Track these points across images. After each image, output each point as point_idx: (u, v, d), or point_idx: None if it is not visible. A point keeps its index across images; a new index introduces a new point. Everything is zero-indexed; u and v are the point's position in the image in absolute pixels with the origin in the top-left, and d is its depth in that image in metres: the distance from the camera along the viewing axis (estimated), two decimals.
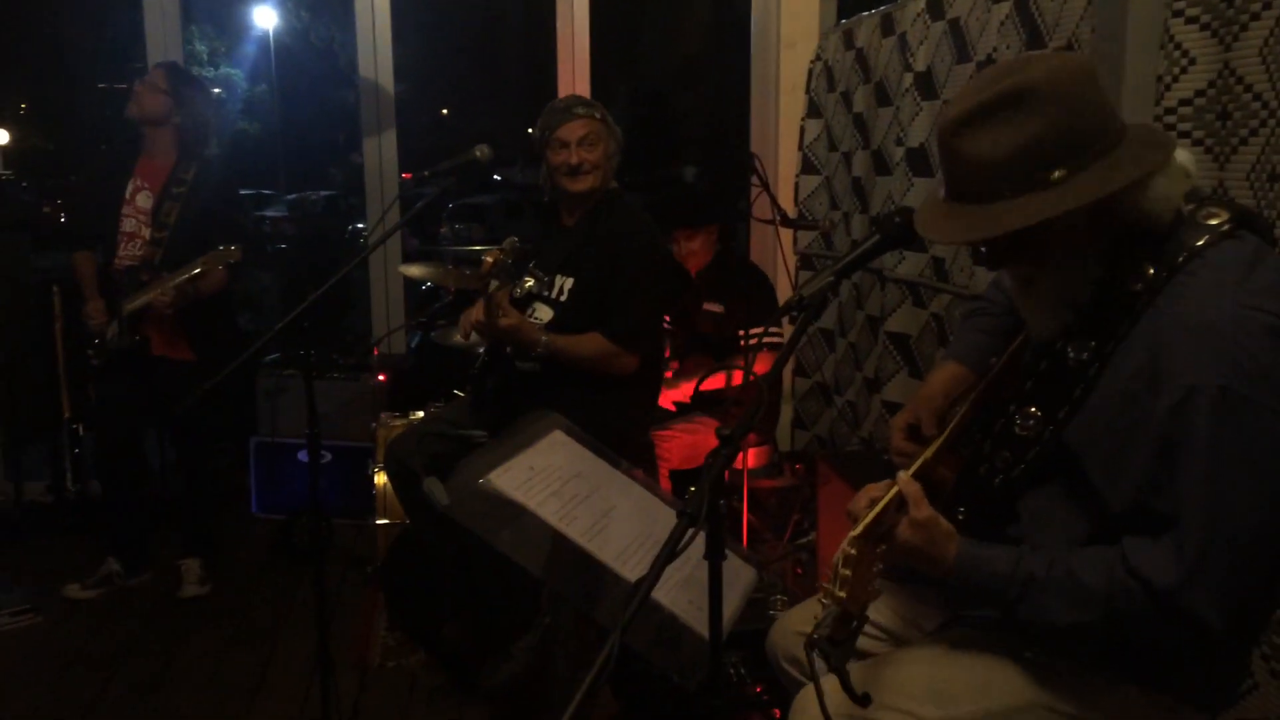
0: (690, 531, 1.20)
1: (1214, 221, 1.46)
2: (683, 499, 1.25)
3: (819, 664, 1.36)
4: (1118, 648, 1.50)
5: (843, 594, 1.38)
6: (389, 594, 3.53)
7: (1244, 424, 1.34)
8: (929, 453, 1.69)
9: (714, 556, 1.29)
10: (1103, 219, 1.45)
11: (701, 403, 3.70)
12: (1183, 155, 1.50)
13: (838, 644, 1.36)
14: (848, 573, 1.39)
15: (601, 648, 1.11)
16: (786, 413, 4.81)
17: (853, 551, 1.41)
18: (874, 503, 1.53)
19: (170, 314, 3.49)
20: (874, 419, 3.92)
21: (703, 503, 1.21)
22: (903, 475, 1.55)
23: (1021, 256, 1.52)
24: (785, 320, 4.15)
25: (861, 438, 4.04)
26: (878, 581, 1.45)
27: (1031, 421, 1.52)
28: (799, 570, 3.62)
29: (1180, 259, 1.44)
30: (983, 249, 1.53)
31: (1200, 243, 1.44)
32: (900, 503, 1.50)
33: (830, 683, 1.39)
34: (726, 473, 3.62)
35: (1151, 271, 1.45)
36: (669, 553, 1.17)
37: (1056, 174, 1.41)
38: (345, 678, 3.18)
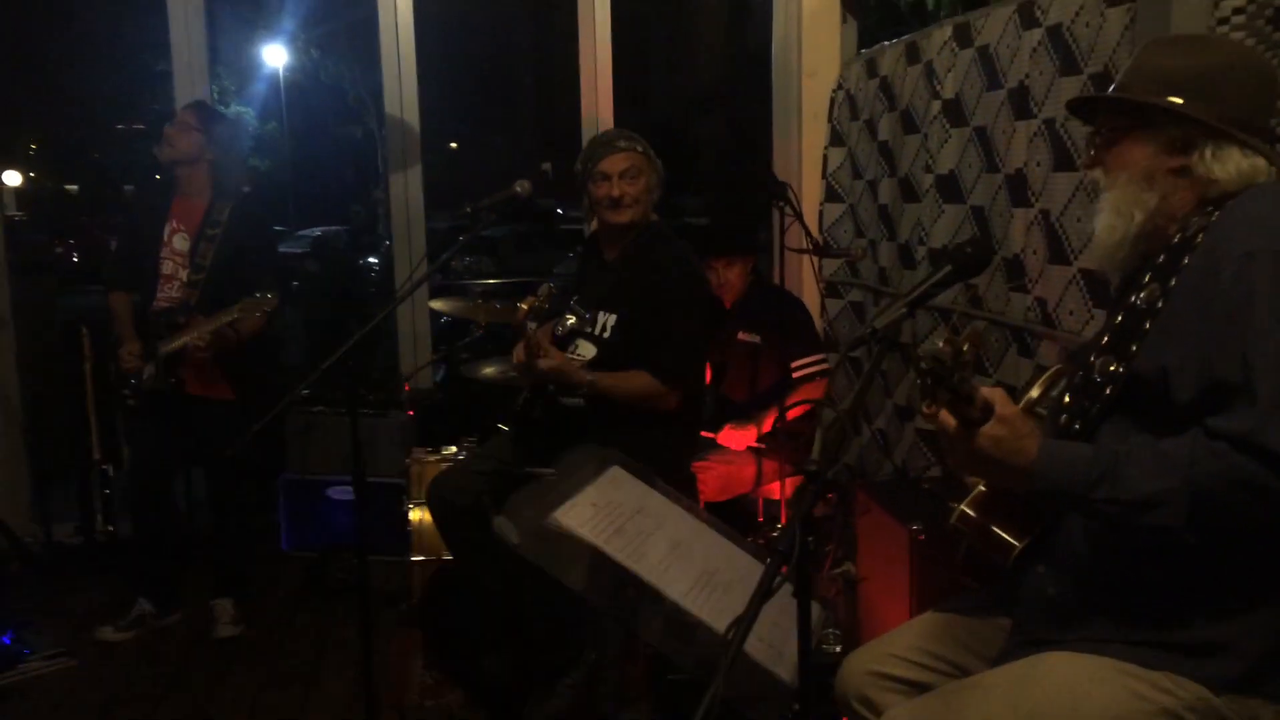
0: (785, 570, 1.18)
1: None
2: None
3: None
4: (1203, 525, 1.45)
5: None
6: (427, 632, 3.50)
7: None
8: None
9: (803, 595, 1.27)
10: (1173, 173, 1.62)
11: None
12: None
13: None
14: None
15: (648, 685, 1.10)
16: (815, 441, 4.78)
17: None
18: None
19: (206, 356, 3.49)
20: (906, 446, 3.90)
21: (795, 540, 1.19)
22: (985, 390, 1.57)
23: (1106, 142, 1.69)
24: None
25: (894, 465, 4.01)
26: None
27: (1110, 368, 1.60)
28: (838, 596, 3.58)
29: (1231, 203, 1.57)
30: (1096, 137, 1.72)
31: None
32: (987, 406, 1.53)
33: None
34: (761, 503, 3.62)
35: (1209, 208, 1.59)
36: (765, 591, 1.16)
37: (1173, 99, 1.59)
38: (383, 717, 3.16)
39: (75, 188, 22.55)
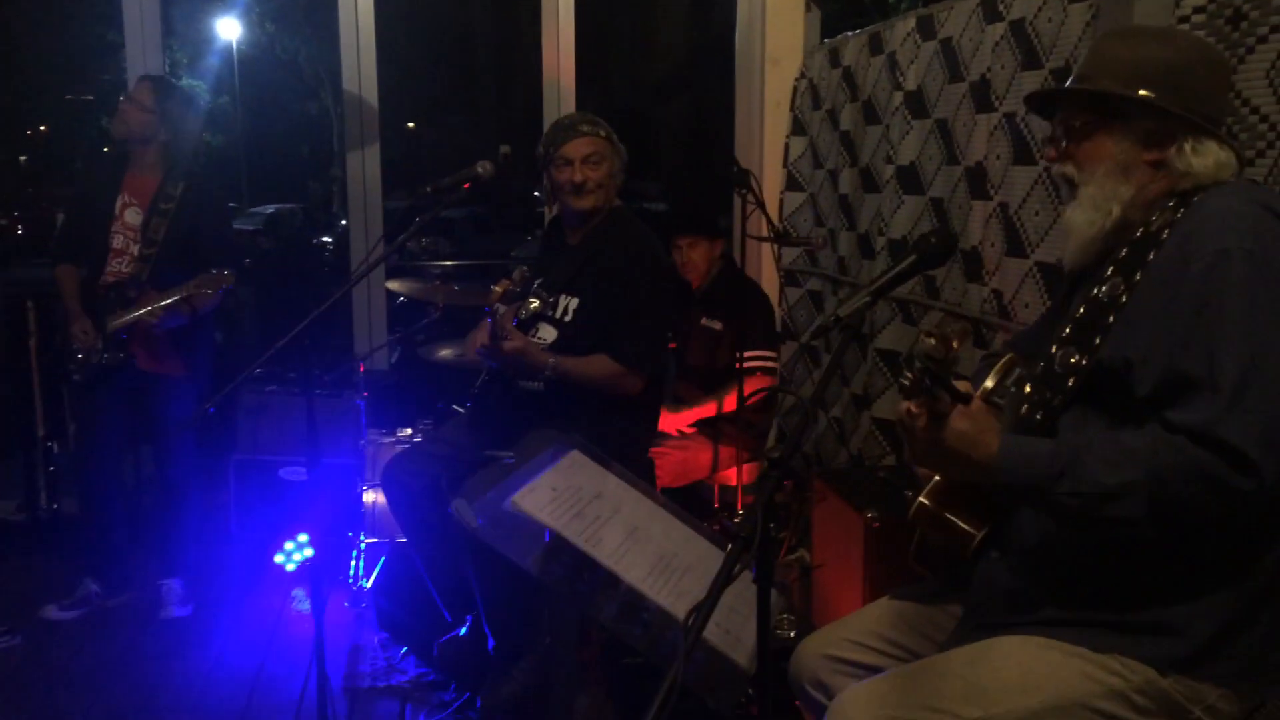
0: (745, 556, 1.18)
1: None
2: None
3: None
4: (1163, 516, 1.48)
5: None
6: (381, 613, 3.48)
7: (1272, 281, 1.46)
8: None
9: (763, 581, 1.27)
10: (1149, 165, 1.62)
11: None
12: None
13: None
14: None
15: (603, 669, 1.10)
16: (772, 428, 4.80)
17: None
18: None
19: (158, 332, 3.43)
20: (862, 435, 3.93)
21: (756, 527, 1.19)
22: (958, 384, 1.59)
23: (1076, 136, 1.68)
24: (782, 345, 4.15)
25: (850, 453, 4.04)
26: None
27: (1071, 360, 1.61)
28: (794, 582, 3.61)
29: (1197, 198, 1.59)
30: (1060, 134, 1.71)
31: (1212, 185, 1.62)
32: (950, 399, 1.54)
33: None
34: (717, 490, 3.64)
35: (1172, 204, 1.61)
36: (725, 577, 1.16)
37: (1145, 93, 1.60)
38: (336, 699, 3.14)
39: (24, 159, 22.06)
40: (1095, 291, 1.62)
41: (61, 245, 3.83)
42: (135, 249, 3.55)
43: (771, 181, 4.78)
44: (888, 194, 3.72)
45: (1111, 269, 1.62)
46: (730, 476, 3.73)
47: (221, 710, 3.13)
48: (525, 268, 2.81)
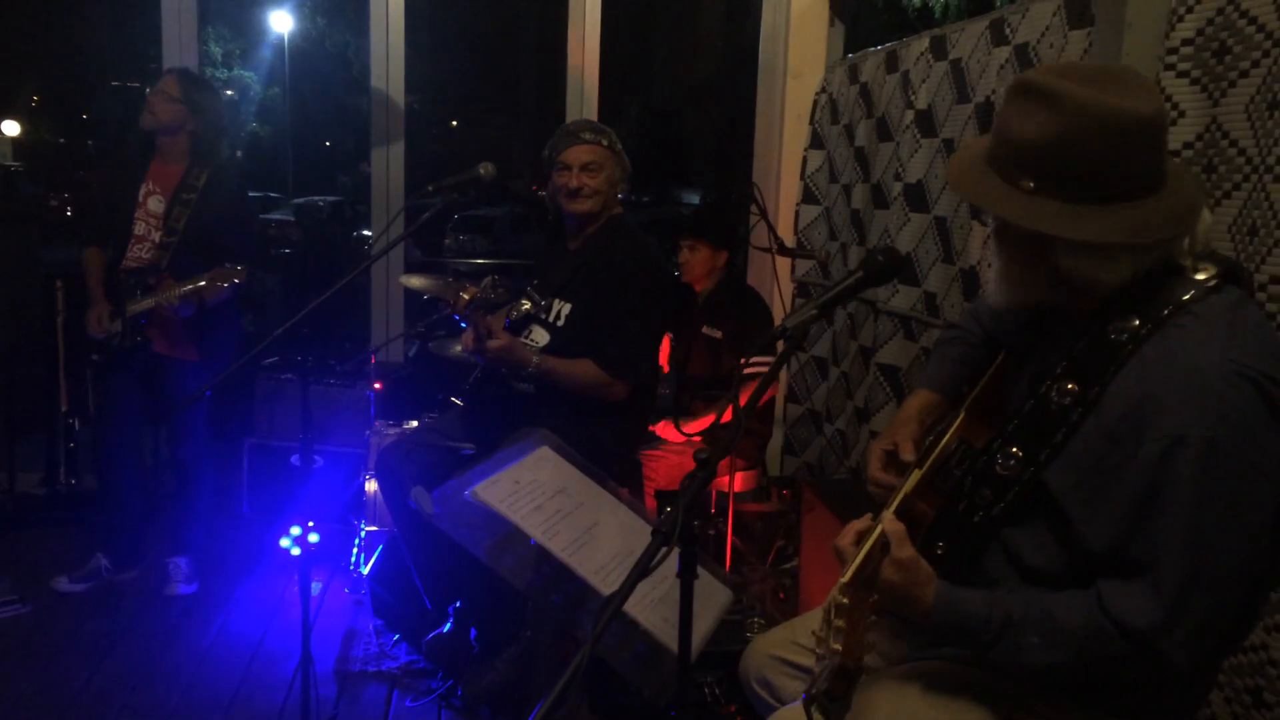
0: (663, 550, 1.24)
1: (1201, 276, 1.50)
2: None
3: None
4: (1088, 685, 1.53)
5: (838, 646, 1.38)
6: (376, 600, 3.56)
7: (1227, 476, 1.37)
8: (909, 486, 1.71)
9: (686, 575, 1.33)
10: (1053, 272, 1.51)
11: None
12: (1206, 218, 1.55)
13: (835, 699, 1.36)
14: (841, 623, 1.39)
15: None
16: (778, 438, 4.85)
17: (844, 600, 1.41)
18: (860, 538, 1.57)
19: (172, 317, 3.53)
20: (862, 448, 3.96)
21: (677, 522, 1.25)
22: (887, 514, 1.58)
23: (1007, 239, 1.59)
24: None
25: (850, 467, 4.08)
26: (872, 634, 1.46)
27: (1013, 461, 1.54)
28: (781, 595, 3.65)
29: (1166, 311, 1.47)
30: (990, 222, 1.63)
31: (1187, 297, 1.48)
32: (884, 543, 1.53)
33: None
34: (714, 495, 3.69)
35: (1137, 322, 1.48)
36: (642, 569, 1.21)
37: (1066, 190, 1.47)
38: (326, 681, 3.23)
39: (62, 140, 22.50)
40: (1046, 389, 1.54)
41: (89, 228, 3.96)
42: (156, 236, 3.66)
43: (789, 194, 4.83)
44: (895, 210, 3.75)
45: (1063, 366, 1.53)
46: (724, 482, 3.77)
47: (216, 684, 3.22)
48: (495, 276, 2.88)
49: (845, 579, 1.46)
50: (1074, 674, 1.49)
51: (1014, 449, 1.54)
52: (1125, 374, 1.47)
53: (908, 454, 1.81)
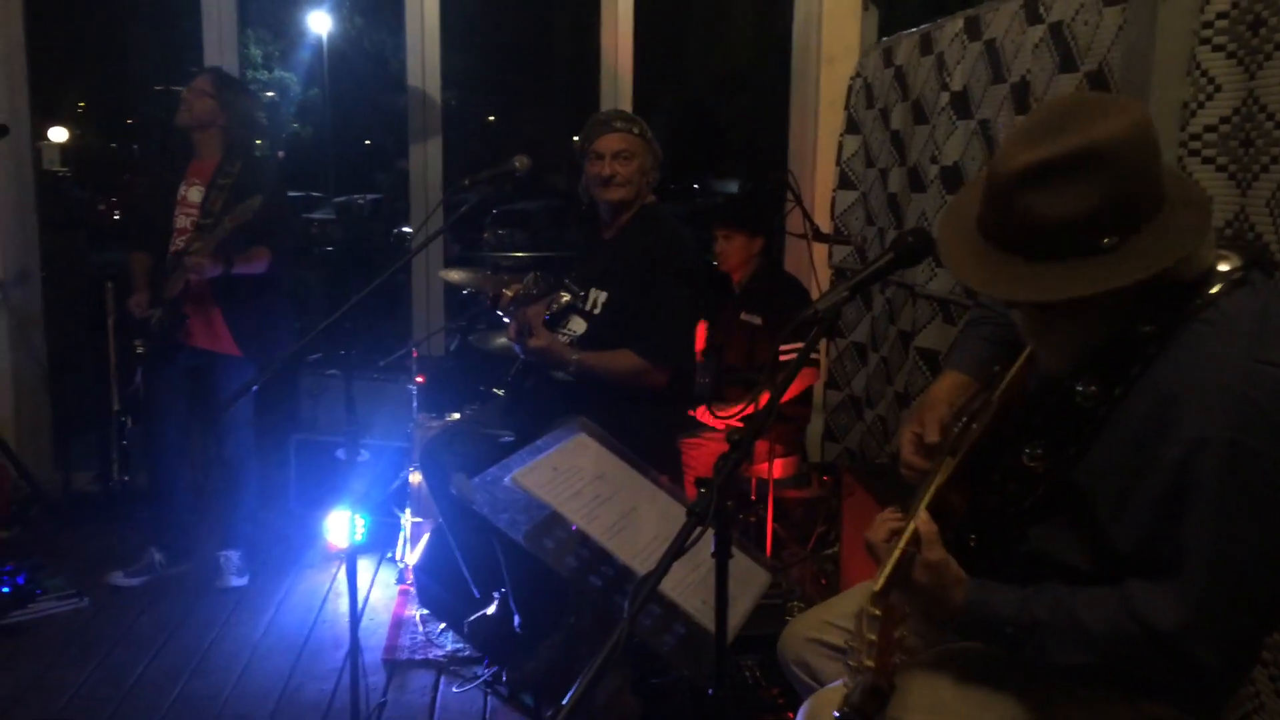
0: (698, 530, 1.26)
1: (1225, 267, 1.48)
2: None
3: None
4: (1119, 684, 1.54)
5: (871, 663, 1.38)
6: (422, 589, 3.61)
7: (1251, 477, 1.36)
8: (942, 478, 1.69)
9: (721, 555, 1.34)
10: (1141, 283, 1.41)
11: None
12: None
13: (867, 718, 1.36)
14: (873, 637, 1.39)
15: (625, 651, 1.16)
16: (818, 425, 4.85)
17: (876, 612, 1.41)
18: (892, 535, 1.57)
19: (208, 279, 3.58)
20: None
21: (710, 503, 1.27)
22: (922, 515, 1.57)
23: (1050, 311, 1.51)
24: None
25: (891, 452, 4.07)
26: (902, 649, 1.45)
27: (1039, 455, 1.54)
28: (824, 581, 3.66)
29: (1192, 307, 1.45)
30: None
31: (1214, 290, 1.46)
32: (916, 540, 1.53)
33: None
34: (754, 482, 3.70)
35: (1165, 318, 1.46)
36: (677, 549, 1.24)
37: (1107, 240, 1.40)
38: (374, 670, 3.28)
39: (115, 146, 22.84)
40: (1070, 385, 1.53)
41: (134, 234, 4.06)
42: (194, 222, 3.74)
43: (825, 180, 4.82)
44: (932, 194, 3.74)
45: (1091, 365, 1.52)
46: (764, 469, 3.79)
47: (268, 674, 3.29)
48: (538, 272, 2.91)
49: (878, 587, 1.46)
50: (1104, 674, 1.49)
51: (1040, 443, 1.55)
52: (1151, 372, 1.46)
53: (932, 436, 1.81)
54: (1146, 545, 1.43)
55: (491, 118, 22.36)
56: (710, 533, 1.31)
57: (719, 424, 3.73)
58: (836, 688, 1.67)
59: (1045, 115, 1.47)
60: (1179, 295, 1.46)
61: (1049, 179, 1.40)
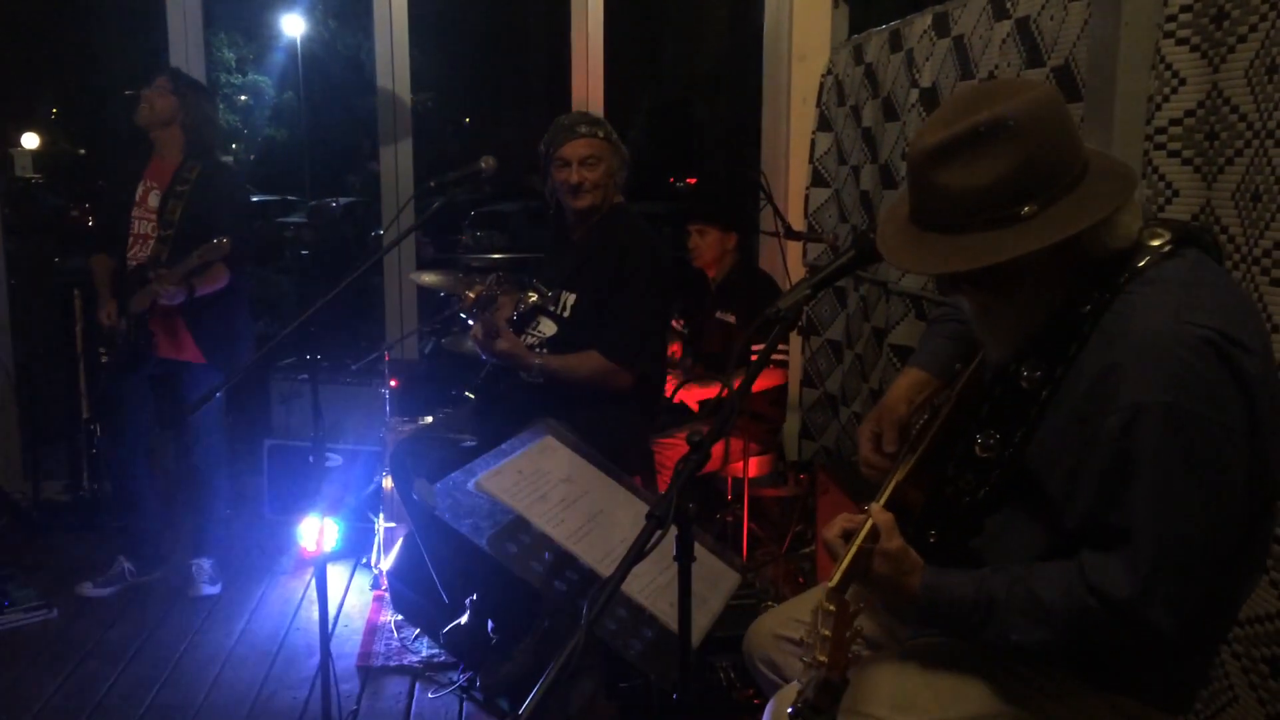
0: (659, 533, 1.24)
1: (1155, 243, 1.50)
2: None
3: None
4: (1080, 658, 1.54)
5: (823, 658, 1.37)
6: (395, 595, 3.59)
7: (1190, 438, 1.37)
8: (900, 474, 1.71)
9: (683, 557, 1.33)
10: (1066, 253, 1.46)
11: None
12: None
13: (820, 712, 1.36)
14: (827, 633, 1.39)
15: (598, 653, 1.15)
16: (794, 423, 4.84)
17: (830, 607, 1.40)
18: (847, 534, 1.57)
19: (174, 306, 3.55)
20: None
21: (670, 505, 1.25)
22: (875, 506, 1.58)
23: (982, 286, 1.54)
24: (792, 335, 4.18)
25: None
26: (860, 640, 1.45)
27: (991, 444, 1.56)
28: (800, 580, 3.65)
29: (1121, 279, 1.48)
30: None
31: (1142, 263, 1.48)
32: (874, 534, 1.53)
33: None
34: (729, 481, 3.69)
35: (1096, 294, 1.49)
36: (637, 552, 1.22)
37: (1026, 209, 1.43)
38: (349, 677, 3.25)
39: (81, 151, 22.67)
40: (1014, 370, 1.56)
41: (96, 236, 4.01)
42: (154, 231, 3.70)
43: (797, 177, 4.81)
44: (903, 190, 3.73)
45: (1032, 349, 1.54)
46: (739, 469, 3.78)
47: (241, 683, 3.25)
48: (500, 273, 2.88)
49: (833, 582, 1.46)
50: (1065, 649, 1.49)
51: (990, 431, 1.56)
52: (1088, 348, 1.48)
53: (890, 444, 1.81)
54: (1096, 516, 1.44)
55: (467, 119, 22.33)
56: (675, 535, 1.29)
57: (695, 406, 3.74)
58: (791, 689, 1.66)
59: (955, 100, 1.52)
60: (1111, 271, 1.49)
61: (960, 153, 1.44)
